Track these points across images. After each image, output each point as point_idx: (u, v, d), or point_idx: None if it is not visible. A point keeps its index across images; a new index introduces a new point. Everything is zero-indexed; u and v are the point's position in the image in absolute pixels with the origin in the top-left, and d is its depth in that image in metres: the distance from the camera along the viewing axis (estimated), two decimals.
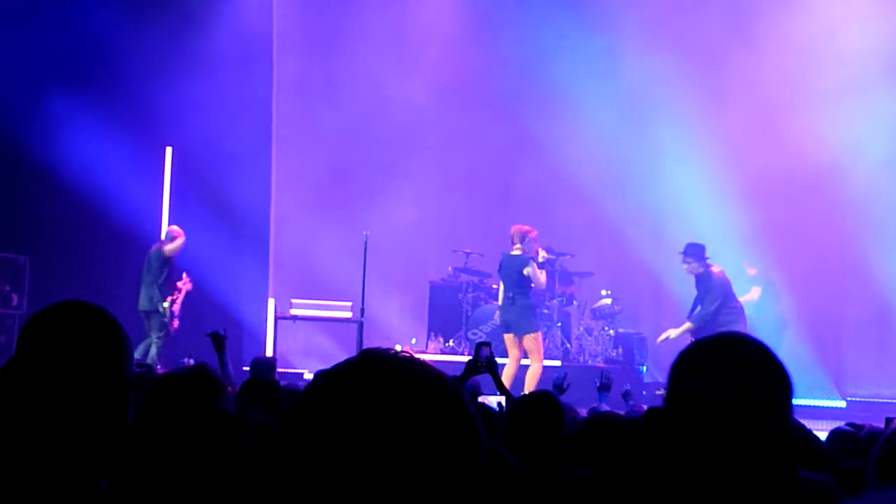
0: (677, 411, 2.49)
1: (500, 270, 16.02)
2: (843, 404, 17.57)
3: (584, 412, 8.15)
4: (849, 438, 6.99)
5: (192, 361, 9.55)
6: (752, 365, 2.48)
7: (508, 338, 15.66)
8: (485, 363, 7.79)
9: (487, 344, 8.01)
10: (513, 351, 15.55)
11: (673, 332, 15.95)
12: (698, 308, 15.68)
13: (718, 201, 18.61)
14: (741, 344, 2.53)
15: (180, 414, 2.67)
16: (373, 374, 1.68)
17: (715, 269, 15.67)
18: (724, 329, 15.05)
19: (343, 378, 1.69)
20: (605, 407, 9.44)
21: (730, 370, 2.46)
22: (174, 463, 2.53)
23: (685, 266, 15.75)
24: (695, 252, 15.63)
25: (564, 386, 9.65)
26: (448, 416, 1.67)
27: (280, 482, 1.67)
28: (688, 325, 15.69)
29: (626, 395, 10.91)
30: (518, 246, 15.63)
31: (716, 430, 2.42)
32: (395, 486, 1.61)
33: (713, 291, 15.51)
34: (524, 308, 15.76)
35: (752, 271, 17.67)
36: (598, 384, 10.67)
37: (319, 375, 1.75)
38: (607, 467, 4.24)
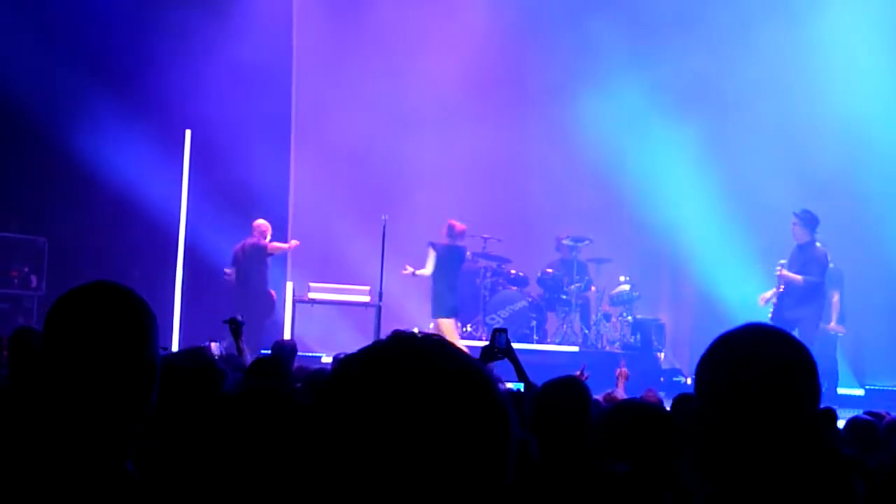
0: (711, 402, 2.49)
1: (448, 260, 16.66)
2: (861, 392, 17.49)
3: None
4: (867, 427, 6.98)
5: (215, 344, 9.58)
6: (781, 354, 2.49)
7: (452, 322, 16.57)
8: (503, 349, 7.69)
9: (504, 330, 7.90)
10: (455, 335, 16.30)
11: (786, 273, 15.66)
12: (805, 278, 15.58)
13: (738, 189, 18.58)
14: (767, 335, 2.54)
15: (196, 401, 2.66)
16: (404, 358, 1.66)
17: (819, 245, 15.65)
18: (800, 306, 15.24)
19: (375, 363, 1.66)
20: (621, 393, 9.40)
21: (760, 360, 2.47)
22: (197, 445, 2.52)
23: (793, 227, 15.67)
24: (808, 220, 15.57)
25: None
26: (479, 402, 1.65)
27: (308, 466, 1.65)
28: (799, 277, 15.50)
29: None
30: (448, 240, 16.63)
31: (751, 419, 2.42)
32: (426, 473, 1.59)
33: (819, 265, 15.50)
34: (460, 295, 16.92)
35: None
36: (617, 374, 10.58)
37: (348, 359, 1.71)
38: (637, 457, 4.20)
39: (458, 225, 16.79)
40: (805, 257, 15.56)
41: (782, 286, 15.51)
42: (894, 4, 19.00)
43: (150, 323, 2.70)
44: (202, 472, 2.52)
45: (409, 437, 1.59)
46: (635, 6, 19.63)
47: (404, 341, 1.70)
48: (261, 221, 17.78)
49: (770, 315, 15.46)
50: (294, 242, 18.00)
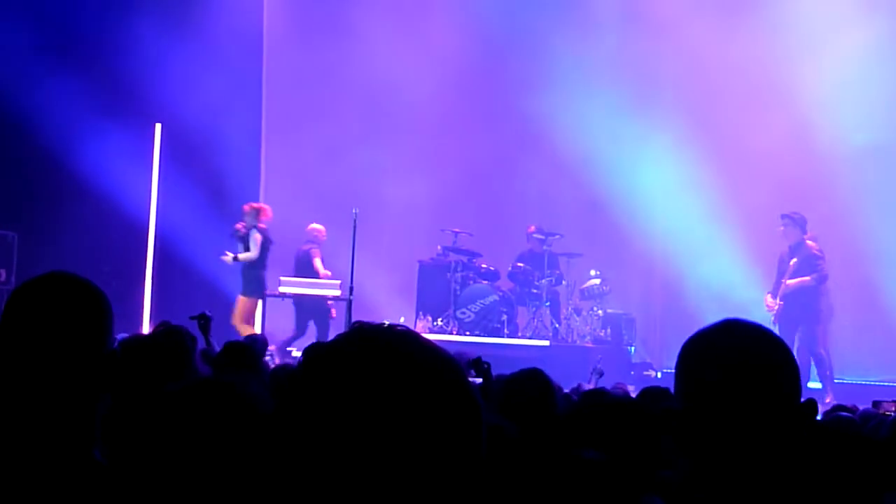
0: (693, 399, 2.49)
1: (267, 244, 17.02)
2: (819, 385, 17.53)
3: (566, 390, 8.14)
4: (848, 424, 7.02)
5: None
6: (762, 350, 2.51)
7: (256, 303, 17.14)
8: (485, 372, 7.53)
9: (479, 360, 7.72)
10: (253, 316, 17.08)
11: (791, 281, 16.12)
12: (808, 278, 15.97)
13: (708, 183, 18.64)
14: (748, 329, 2.54)
15: (164, 382, 2.66)
16: (372, 349, 1.65)
17: (810, 242, 16.18)
18: (804, 304, 15.80)
19: (342, 355, 1.66)
20: (587, 386, 9.42)
21: (742, 355, 2.48)
22: (168, 435, 2.52)
23: (783, 230, 16.24)
24: (798, 220, 16.19)
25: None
26: (450, 388, 1.65)
27: (274, 463, 1.64)
28: (808, 278, 16.04)
29: (595, 373, 10.77)
30: (265, 225, 17.09)
31: (735, 414, 2.43)
32: (397, 465, 1.58)
33: (822, 259, 16.11)
34: None
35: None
36: (592, 369, 10.60)
37: (314, 355, 1.70)
38: (606, 447, 4.22)
39: (270, 210, 17.22)
40: (802, 255, 15.89)
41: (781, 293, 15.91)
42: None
43: (105, 312, 2.71)
44: (161, 464, 2.52)
45: (380, 428, 1.58)
46: (610, 6, 19.64)
47: (370, 332, 1.69)
48: (313, 226, 18.02)
49: (774, 317, 15.75)
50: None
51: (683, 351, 2.55)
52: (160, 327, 7.37)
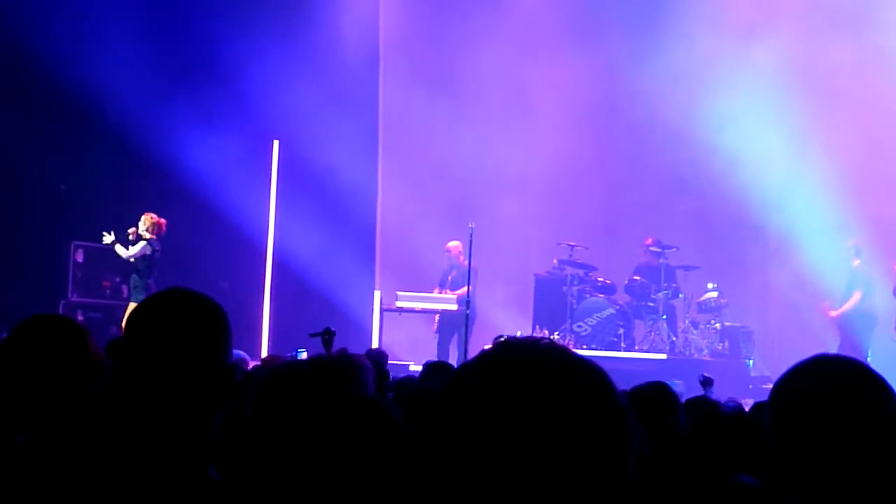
0: (788, 441, 2.45)
1: (159, 256, 16.42)
2: None
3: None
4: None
5: (305, 354, 9.61)
6: (861, 388, 2.46)
7: None
8: None
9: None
10: None
11: None
12: None
13: (830, 194, 18.35)
14: (843, 368, 2.51)
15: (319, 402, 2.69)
16: (518, 364, 1.66)
17: None
18: None
19: (497, 367, 1.67)
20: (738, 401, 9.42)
21: (842, 397, 2.44)
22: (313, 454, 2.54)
23: None
24: None
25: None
26: (602, 398, 1.66)
27: (429, 480, 1.66)
28: None
29: (705, 383, 10.72)
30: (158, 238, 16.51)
31: (834, 456, 2.40)
32: (550, 476, 1.60)
33: None
34: None
35: (856, 262, 17.33)
36: (701, 379, 10.56)
37: (466, 368, 1.71)
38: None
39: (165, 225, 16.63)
40: None
41: None
42: None
43: (224, 328, 2.74)
44: (292, 476, 2.54)
45: (534, 440, 1.60)
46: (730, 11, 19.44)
47: (517, 347, 1.70)
48: (455, 243, 18.00)
49: None
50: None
51: (778, 389, 2.51)
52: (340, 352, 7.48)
